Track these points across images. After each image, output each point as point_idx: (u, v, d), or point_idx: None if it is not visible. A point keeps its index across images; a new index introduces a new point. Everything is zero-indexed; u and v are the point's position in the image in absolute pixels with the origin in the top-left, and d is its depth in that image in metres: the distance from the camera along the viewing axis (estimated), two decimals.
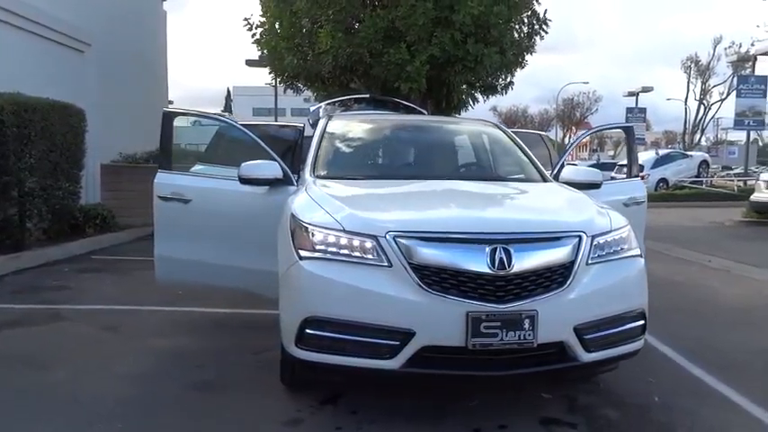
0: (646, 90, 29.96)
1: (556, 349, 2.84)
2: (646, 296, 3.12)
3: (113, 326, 4.68)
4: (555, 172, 4.22)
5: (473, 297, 2.71)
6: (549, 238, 2.88)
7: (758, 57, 20.83)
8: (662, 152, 26.45)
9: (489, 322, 2.68)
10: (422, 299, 2.71)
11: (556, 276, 2.82)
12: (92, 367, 3.78)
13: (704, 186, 23.06)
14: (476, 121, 4.86)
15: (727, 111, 42.88)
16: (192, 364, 3.82)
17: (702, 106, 43.02)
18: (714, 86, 43.10)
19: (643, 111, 30.84)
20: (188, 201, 4.19)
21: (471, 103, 11.47)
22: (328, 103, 7.31)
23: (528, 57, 11.20)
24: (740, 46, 33.17)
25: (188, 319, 4.95)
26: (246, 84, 58.92)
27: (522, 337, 2.71)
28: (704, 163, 25.06)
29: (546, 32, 11.05)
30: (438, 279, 2.72)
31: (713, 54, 41.94)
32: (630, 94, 31.08)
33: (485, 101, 12.26)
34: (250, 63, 27.19)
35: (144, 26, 13.27)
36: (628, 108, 30.72)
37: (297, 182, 3.99)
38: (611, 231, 3.07)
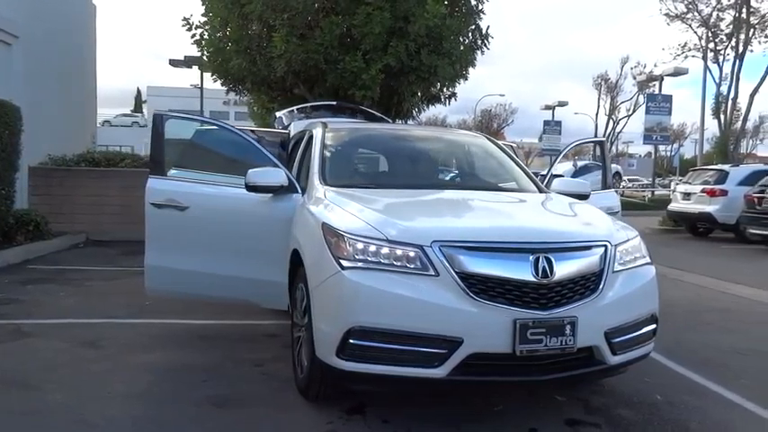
0: (561, 104, 31.56)
1: (587, 353, 2.97)
2: (657, 301, 3.32)
3: (91, 341, 4.37)
4: (545, 183, 4.41)
5: (518, 305, 2.79)
6: (583, 247, 3.01)
7: (665, 77, 22.48)
8: (580, 163, 27.94)
9: (535, 329, 2.77)
10: (470, 307, 2.76)
11: (589, 284, 2.95)
12: (88, 387, 3.52)
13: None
14: (468, 133, 4.98)
15: (631, 126, 46.11)
16: (195, 380, 3.66)
17: (611, 121, 46.00)
18: (621, 103, 46.24)
19: (559, 123, 32.39)
20: (185, 208, 4.02)
21: (417, 112, 11.66)
22: (291, 110, 7.24)
23: (470, 69, 11.58)
24: (645, 66, 36.01)
25: (168, 332, 4.71)
26: (158, 84, 56.80)
27: (563, 343, 2.82)
28: (617, 174, 26.75)
29: (488, 48, 11.45)
30: (485, 287, 2.78)
31: (621, 73, 44.99)
32: (547, 107, 32.62)
33: (425, 111, 12.55)
34: (174, 63, 26.28)
35: (72, 20, 12.47)
36: (545, 121, 32.17)
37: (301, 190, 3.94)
38: (628, 240, 3.26)
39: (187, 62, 25.51)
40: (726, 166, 13.66)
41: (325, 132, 4.30)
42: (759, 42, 23.20)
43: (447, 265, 2.78)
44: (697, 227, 13.31)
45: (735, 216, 12.00)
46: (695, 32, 24.75)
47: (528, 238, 2.93)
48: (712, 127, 26.58)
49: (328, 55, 9.31)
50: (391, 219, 3.02)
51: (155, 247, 4.08)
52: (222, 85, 12.33)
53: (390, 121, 7.41)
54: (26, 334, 4.55)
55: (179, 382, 3.62)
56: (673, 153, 57.54)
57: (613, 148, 50.43)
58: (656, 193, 23.46)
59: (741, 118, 23.93)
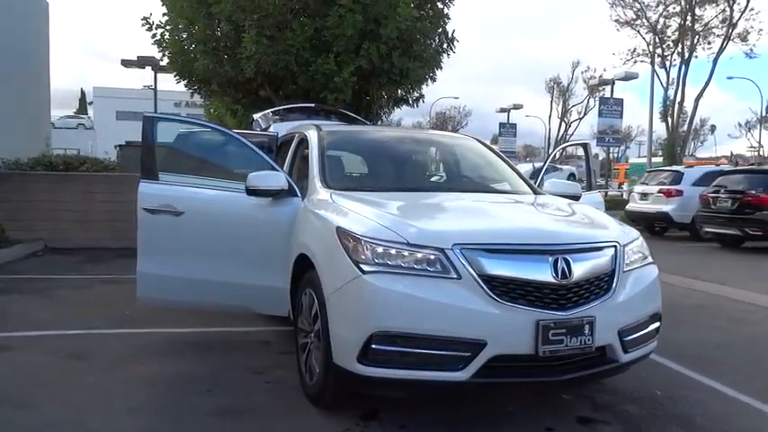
0: (516, 107, 32.24)
1: (601, 352, 3.03)
2: (660, 300, 3.42)
3: (77, 353, 4.18)
4: (536, 184, 4.48)
5: (539, 306, 2.82)
6: (596, 248, 3.07)
7: (616, 81, 23.24)
8: (537, 165, 28.65)
9: (557, 329, 2.80)
10: (493, 309, 2.77)
11: (603, 284, 3.01)
12: (87, 401, 3.37)
13: None
14: (460, 136, 5.01)
15: (582, 129, 47.44)
16: (198, 390, 3.54)
17: (564, 123, 47.24)
18: (573, 106, 47.52)
19: (514, 126, 33.08)
20: (180, 213, 3.89)
21: (387, 114, 11.68)
22: (266, 113, 7.14)
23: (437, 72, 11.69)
24: (595, 70, 37.22)
25: (156, 342, 4.55)
26: (103, 85, 55.02)
27: (582, 342, 2.86)
28: (572, 175, 27.46)
29: (454, 51, 11.58)
30: (507, 289, 2.80)
31: (572, 77, 46.23)
32: (502, 110, 33.26)
33: (392, 113, 12.60)
34: (127, 63, 25.55)
35: (24, 17, 11.94)
36: (501, 123, 32.82)
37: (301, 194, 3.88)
38: (634, 241, 3.34)
39: (140, 62, 24.87)
40: (681, 168, 14.21)
41: (321, 135, 4.24)
42: (703, 49, 24.25)
43: (469, 267, 2.79)
44: (654, 226, 13.79)
45: (690, 215, 12.49)
46: (644, 38, 25.70)
47: (547, 239, 2.97)
48: (659, 130, 27.65)
49: (300, 57, 9.22)
50: (408, 222, 3.00)
51: (148, 254, 3.94)
52: (186, 86, 12.06)
53: (368, 123, 7.40)
54: (4, 348, 4.31)
55: (182, 393, 3.51)
56: (619, 155, 59.58)
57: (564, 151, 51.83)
58: (609, 193, 24.18)
59: (687, 121, 24.93)
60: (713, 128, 57.27)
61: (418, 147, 4.58)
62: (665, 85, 25.29)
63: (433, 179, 4.27)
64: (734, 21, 24.26)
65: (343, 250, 2.96)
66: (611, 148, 28.27)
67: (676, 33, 24.94)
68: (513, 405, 3.41)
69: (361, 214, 3.16)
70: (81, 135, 46.26)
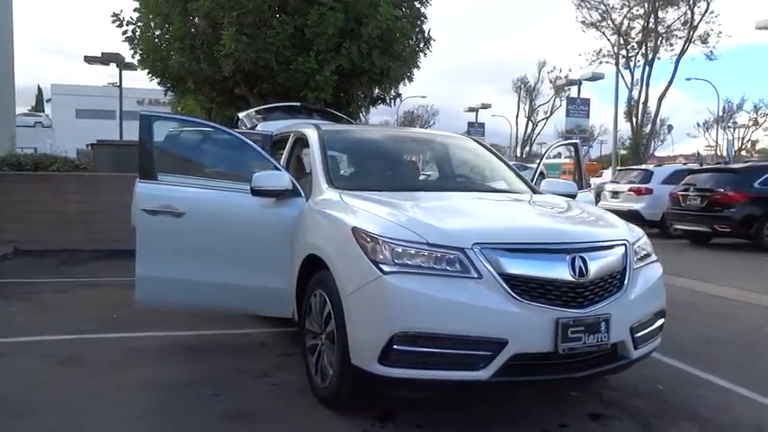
0: (485, 107, 32.60)
1: (612, 348, 3.08)
2: (665, 297, 3.50)
3: (70, 359, 4.04)
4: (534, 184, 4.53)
5: (558, 304, 2.85)
6: (608, 246, 3.12)
7: (583, 81, 23.73)
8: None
9: (575, 327, 2.83)
10: (514, 308, 2.79)
11: (615, 281, 3.06)
12: (89, 408, 3.26)
13: None
14: (456, 135, 5.03)
15: (548, 128, 48.21)
16: (204, 394, 3.46)
17: (531, 123, 47.89)
18: (539, 106, 48.24)
19: (482, 125, 33.45)
20: (181, 214, 3.80)
21: (365, 113, 11.66)
22: (248, 113, 7.05)
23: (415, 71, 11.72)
24: (561, 71, 37.94)
25: (151, 345, 4.43)
26: (61, 81, 53.53)
27: (599, 340, 2.91)
28: (541, 174, 27.92)
29: (430, 50, 11.62)
30: (527, 288, 2.82)
31: (539, 77, 46.89)
32: (471, 109, 33.60)
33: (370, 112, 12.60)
34: (90, 60, 24.91)
35: None
36: (469, 123, 33.16)
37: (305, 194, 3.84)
38: (640, 239, 3.41)
39: (104, 59, 24.26)
40: (650, 166, 14.57)
41: (321, 135, 4.20)
42: (666, 50, 24.93)
43: (489, 267, 2.80)
44: None
45: (660, 213, 12.82)
46: (609, 40, 26.29)
47: (564, 238, 3.00)
48: (623, 129, 28.32)
49: (280, 55, 9.12)
50: (425, 222, 3.00)
51: (147, 256, 3.83)
52: (159, 84, 11.80)
53: (353, 122, 7.37)
54: None
55: (189, 398, 3.42)
56: (584, 153, 60.84)
57: (532, 149, 52.63)
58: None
59: (651, 120, 25.60)
60: (670, 127, 58.96)
61: (418, 146, 4.59)
62: (629, 85, 25.93)
63: (437, 178, 4.27)
64: (695, 23, 25.03)
65: (361, 251, 2.94)
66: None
67: (640, 35, 25.56)
68: (523, 403, 3.44)
69: (375, 214, 3.14)
70: (38, 133, 44.79)
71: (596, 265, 2.97)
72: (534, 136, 47.19)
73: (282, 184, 3.75)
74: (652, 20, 24.81)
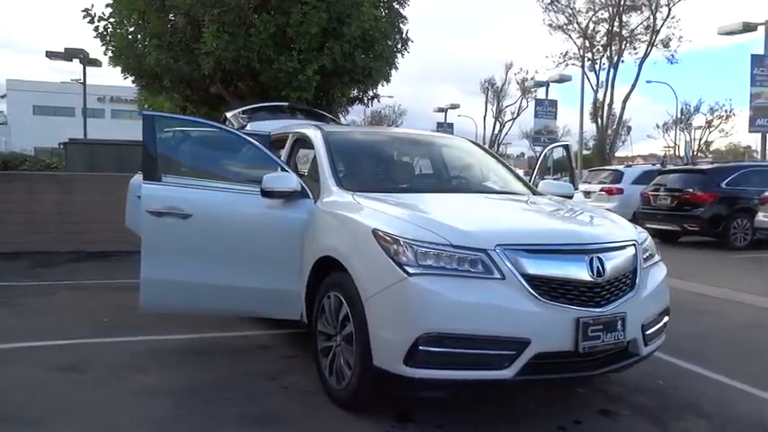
0: (454, 107, 32.88)
1: (625, 346, 3.17)
2: (669, 296, 3.61)
3: (69, 366, 3.92)
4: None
5: (578, 303, 2.92)
6: (621, 246, 3.21)
7: (550, 83, 24.18)
8: None
9: (595, 326, 2.91)
10: (536, 308, 2.84)
11: (628, 281, 3.15)
12: (100, 416, 3.17)
13: None
14: (455, 137, 5.08)
15: (514, 129, 48.84)
16: (215, 398, 3.41)
17: (498, 123, 48.36)
18: (507, 107, 48.73)
19: (451, 126, 33.73)
20: (188, 216, 3.74)
21: (344, 114, 11.65)
22: (235, 113, 6.96)
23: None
24: (527, 72, 38.51)
25: (150, 349, 4.34)
26: (16, 77, 51.84)
27: (616, 338, 2.99)
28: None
29: (408, 51, 11.68)
30: (548, 288, 2.88)
31: (506, 78, 47.35)
32: (440, 109, 33.85)
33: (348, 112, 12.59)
34: (52, 55, 24.23)
35: None
36: (438, 123, 33.42)
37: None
38: (646, 239, 3.52)
39: (68, 55, 23.62)
40: (620, 167, 14.95)
41: (326, 136, 4.18)
42: (629, 54, 25.59)
43: (512, 267, 2.85)
44: None
45: (631, 212, 13.12)
46: (575, 42, 26.84)
47: (582, 239, 3.07)
48: (588, 130, 28.92)
49: (262, 54, 9.03)
50: (447, 224, 3.02)
51: (153, 259, 3.75)
52: (133, 82, 11.54)
53: (338, 121, 7.34)
54: None
55: (201, 403, 3.37)
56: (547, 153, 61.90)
57: (499, 150, 53.21)
58: None
59: (616, 122, 26.24)
60: (629, 129, 60.58)
61: (423, 148, 4.61)
62: (594, 87, 26.53)
63: (444, 180, 4.30)
64: (657, 28, 25.78)
65: (383, 252, 2.95)
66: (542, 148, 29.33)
67: (605, 38, 26.17)
68: (535, 402, 3.49)
69: (394, 216, 3.16)
70: None
71: (611, 264, 3.05)
72: (501, 136, 47.83)
73: (291, 186, 3.73)
74: (617, 24, 25.53)
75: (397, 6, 10.80)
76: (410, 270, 2.85)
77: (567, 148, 5.59)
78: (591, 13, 25.90)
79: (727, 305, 6.31)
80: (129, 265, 7.75)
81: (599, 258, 2.99)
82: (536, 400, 3.52)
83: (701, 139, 42.77)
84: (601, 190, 13.96)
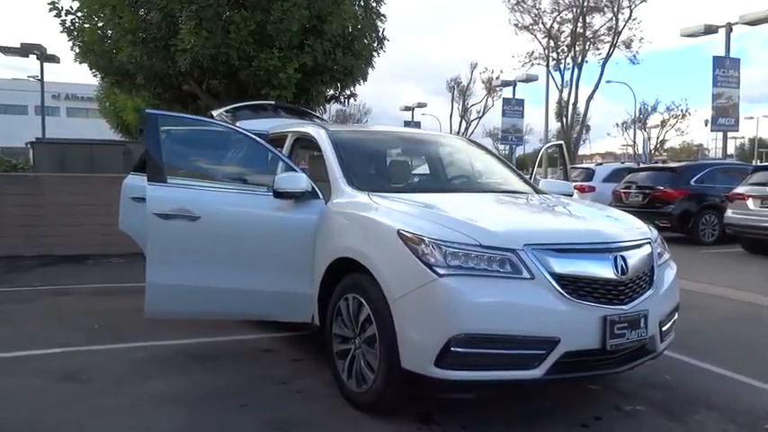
0: (421, 105, 33.02)
1: (645, 343, 3.21)
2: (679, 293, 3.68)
3: (69, 375, 3.75)
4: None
5: (604, 302, 2.94)
6: (640, 245, 3.25)
7: (518, 82, 24.52)
8: None
9: (621, 323, 2.94)
10: (565, 307, 2.85)
11: (647, 278, 3.20)
12: (115, 427, 3.06)
13: None
14: (455, 136, 5.07)
15: (479, 128, 49.25)
16: (231, 405, 3.32)
17: (464, 122, 48.66)
18: (472, 105, 49.08)
19: (418, 124, 33.86)
20: (196, 218, 3.63)
21: (322, 112, 11.56)
22: (220, 112, 6.82)
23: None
24: (492, 71, 38.95)
25: (151, 356, 4.19)
26: None
27: (640, 335, 3.03)
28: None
29: (384, 50, 11.66)
30: (575, 287, 2.89)
31: (471, 77, 47.68)
32: (407, 108, 33.95)
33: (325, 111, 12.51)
34: (7, 50, 23.36)
35: None
36: (405, 122, 33.50)
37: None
38: (657, 238, 3.57)
39: (24, 50, 22.78)
40: (591, 165, 15.24)
41: (331, 135, 4.11)
42: (593, 54, 26.15)
43: (541, 267, 2.85)
44: None
45: None
46: (540, 43, 27.27)
47: (605, 238, 3.09)
48: (552, 129, 29.42)
49: (242, 51, 8.86)
50: (474, 224, 3.01)
51: (160, 263, 3.63)
52: (103, 79, 11.19)
53: (326, 120, 7.27)
54: None
55: (217, 410, 3.27)
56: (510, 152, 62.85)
57: None
58: None
59: (580, 121, 26.77)
60: (588, 128, 62.03)
61: (426, 147, 4.59)
62: (559, 87, 27.02)
63: (455, 180, 4.29)
64: (619, 29, 26.42)
65: (411, 253, 2.91)
66: (509, 146, 29.77)
67: (569, 39, 26.67)
68: (551, 401, 3.51)
69: (417, 216, 3.12)
70: None
71: (633, 263, 3.09)
72: (468, 135, 48.09)
73: (302, 186, 3.66)
74: (580, 24, 26.08)
75: (374, 4, 10.77)
76: (440, 271, 2.82)
77: (561, 147, 5.66)
78: (555, 14, 26.43)
79: (711, 300, 6.49)
80: (106, 269, 7.55)
81: (622, 257, 3.03)
82: (551, 399, 3.54)
83: (657, 138, 44.05)
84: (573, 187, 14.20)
